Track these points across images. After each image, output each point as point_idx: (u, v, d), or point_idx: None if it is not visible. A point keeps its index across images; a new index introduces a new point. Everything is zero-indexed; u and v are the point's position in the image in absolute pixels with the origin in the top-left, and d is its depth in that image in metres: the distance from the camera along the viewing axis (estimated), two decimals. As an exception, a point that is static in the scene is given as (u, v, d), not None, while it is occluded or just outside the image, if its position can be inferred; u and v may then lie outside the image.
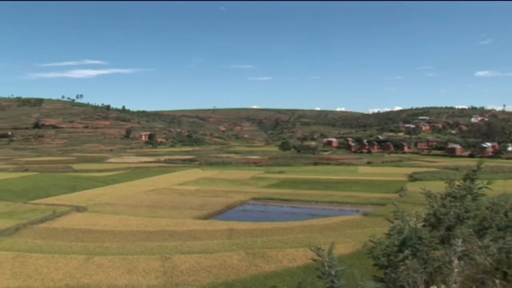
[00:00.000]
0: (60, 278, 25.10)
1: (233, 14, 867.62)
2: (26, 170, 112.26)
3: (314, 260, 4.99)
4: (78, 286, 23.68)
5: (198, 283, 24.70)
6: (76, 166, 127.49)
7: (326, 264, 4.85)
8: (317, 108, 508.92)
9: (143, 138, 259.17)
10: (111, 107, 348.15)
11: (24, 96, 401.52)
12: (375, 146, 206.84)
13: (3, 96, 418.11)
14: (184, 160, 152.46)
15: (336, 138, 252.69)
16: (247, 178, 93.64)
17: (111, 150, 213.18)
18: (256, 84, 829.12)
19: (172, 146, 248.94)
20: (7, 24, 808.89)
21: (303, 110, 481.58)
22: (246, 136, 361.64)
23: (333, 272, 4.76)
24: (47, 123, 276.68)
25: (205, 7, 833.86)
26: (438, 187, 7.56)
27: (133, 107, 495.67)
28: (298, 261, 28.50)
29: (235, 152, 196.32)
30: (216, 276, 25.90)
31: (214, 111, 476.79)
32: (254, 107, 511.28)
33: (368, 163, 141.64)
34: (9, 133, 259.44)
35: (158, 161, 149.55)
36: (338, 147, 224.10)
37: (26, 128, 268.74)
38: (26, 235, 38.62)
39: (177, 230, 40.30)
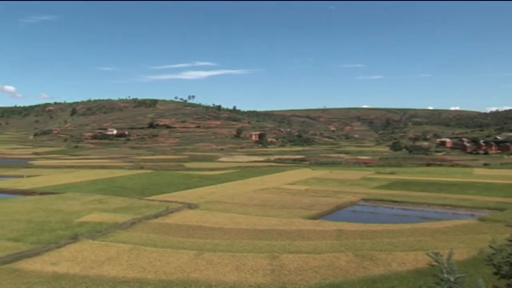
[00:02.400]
0: (172, 271, 26.42)
1: (343, 13, 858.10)
2: (142, 168, 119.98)
3: (431, 265, 4.75)
4: (188, 280, 24.74)
5: (305, 283, 24.66)
6: (188, 165, 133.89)
7: (444, 270, 4.61)
8: (430, 107, 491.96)
9: (254, 137, 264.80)
10: (222, 107, 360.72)
11: (139, 97, 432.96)
12: (493, 147, 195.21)
13: (121, 98, 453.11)
14: (294, 160, 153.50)
15: (450, 138, 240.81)
16: (357, 178, 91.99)
17: (222, 149, 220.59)
18: (366, 83, 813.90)
19: (282, 145, 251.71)
20: (125, 31, 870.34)
21: (415, 109, 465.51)
22: (356, 136, 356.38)
23: (452, 279, 4.51)
24: (161, 123, 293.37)
25: (314, 7, 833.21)
26: None
27: (243, 107, 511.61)
28: (408, 265, 27.43)
29: (345, 152, 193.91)
30: (323, 276, 25.72)
31: (324, 110, 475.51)
32: (365, 106, 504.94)
33: (485, 165, 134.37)
34: (126, 132, 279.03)
35: (268, 161, 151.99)
36: (452, 148, 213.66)
37: (142, 128, 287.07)
38: (141, 229, 41.17)
39: (286, 229, 40.57)
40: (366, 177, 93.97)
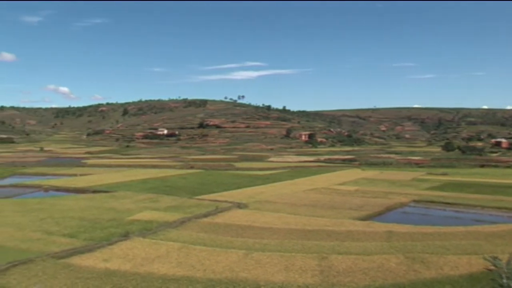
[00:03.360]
0: (221, 270, 26.70)
1: (391, 10, 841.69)
2: (192, 168, 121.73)
3: (489, 270, 4.59)
4: (237, 280, 24.93)
5: (354, 285, 24.36)
6: (238, 164, 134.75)
7: (504, 275, 4.44)
8: (484, 107, 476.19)
9: (303, 137, 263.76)
10: (271, 107, 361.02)
11: (190, 97, 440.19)
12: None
13: (171, 98, 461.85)
14: (343, 160, 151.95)
15: (506, 138, 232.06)
16: (408, 179, 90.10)
17: (271, 149, 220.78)
18: (417, 82, 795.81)
19: (332, 145, 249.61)
20: (175, 33, 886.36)
21: (468, 108, 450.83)
22: (407, 136, 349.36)
23: (512, 285, 4.34)
24: (211, 123, 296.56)
25: (362, 6, 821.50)
26: None
27: (293, 107, 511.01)
28: (461, 269, 26.55)
29: (396, 153, 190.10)
30: (373, 278, 25.32)
31: (374, 110, 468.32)
32: (416, 106, 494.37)
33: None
34: (177, 132, 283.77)
35: (318, 161, 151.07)
36: (508, 149, 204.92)
37: (192, 128, 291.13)
38: (190, 228, 41.80)
39: (335, 230, 40.21)
40: (417, 178, 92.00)
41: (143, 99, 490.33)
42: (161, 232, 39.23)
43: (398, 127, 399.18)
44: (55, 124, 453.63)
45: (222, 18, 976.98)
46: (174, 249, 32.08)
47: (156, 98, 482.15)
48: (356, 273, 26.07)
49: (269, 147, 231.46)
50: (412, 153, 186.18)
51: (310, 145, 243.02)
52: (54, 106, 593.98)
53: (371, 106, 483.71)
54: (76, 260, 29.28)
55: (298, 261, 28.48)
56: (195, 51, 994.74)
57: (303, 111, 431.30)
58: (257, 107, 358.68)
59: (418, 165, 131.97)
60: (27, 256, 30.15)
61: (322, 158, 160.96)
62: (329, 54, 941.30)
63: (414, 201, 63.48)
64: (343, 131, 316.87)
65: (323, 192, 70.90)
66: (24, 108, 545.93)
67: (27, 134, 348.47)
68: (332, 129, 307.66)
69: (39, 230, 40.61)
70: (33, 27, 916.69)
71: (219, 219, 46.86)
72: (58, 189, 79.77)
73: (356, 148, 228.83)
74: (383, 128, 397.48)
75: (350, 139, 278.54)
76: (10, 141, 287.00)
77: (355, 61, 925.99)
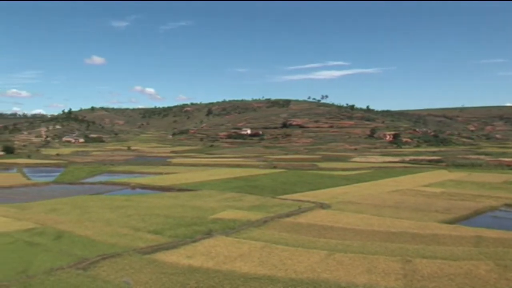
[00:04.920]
0: (302, 270, 26.63)
1: (476, 5, 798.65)
2: (275, 167, 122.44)
3: None
4: (318, 280, 24.75)
5: (440, 291, 23.47)
6: (321, 164, 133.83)
7: None
8: None
9: (388, 137, 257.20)
10: (355, 107, 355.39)
11: (273, 97, 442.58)
12: None
13: (254, 98, 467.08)
14: (429, 161, 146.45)
15: None
16: (498, 182, 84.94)
17: (355, 149, 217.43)
18: (509, 79, 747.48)
19: (417, 146, 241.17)
20: (258, 33, 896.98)
21: None
22: (498, 136, 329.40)
23: None
24: (294, 123, 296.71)
25: (445, 6, 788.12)
26: None
27: (377, 106, 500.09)
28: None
29: (486, 154, 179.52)
30: (459, 285, 24.06)
31: (462, 109, 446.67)
32: (508, 104, 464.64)
33: None
34: (260, 132, 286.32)
35: (403, 161, 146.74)
36: None
37: (275, 128, 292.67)
38: (273, 228, 42.08)
39: (420, 233, 38.80)
40: (509, 181, 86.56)
41: (227, 99, 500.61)
42: (244, 231, 39.80)
43: (488, 127, 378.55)
44: (142, 124, 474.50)
45: (304, 18, 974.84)
46: (256, 248, 32.42)
47: (240, 98, 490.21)
48: (441, 279, 24.98)
49: (353, 147, 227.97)
50: (503, 154, 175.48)
51: (395, 145, 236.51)
52: (140, 106, 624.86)
53: (459, 105, 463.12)
54: (161, 256, 30.37)
55: (381, 263, 27.82)
56: (278, 51, 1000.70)
57: (387, 111, 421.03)
58: (340, 107, 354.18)
59: (510, 167, 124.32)
60: (115, 251, 31.75)
61: (407, 158, 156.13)
62: (413, 52, 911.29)
63: (506, 205, 59.85)
64: (429, 131, 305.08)
65: (407, 193, 68.80)
66: (113, 109, 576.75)
67: (116, 134, 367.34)
68: (417, 129, 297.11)
69: (126, 226, 42.62)
70: (121, 32, 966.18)
71: (302, 219, 46.80)
72: (144, 187, 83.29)
73: (442, 148, 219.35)
74: (472, 128, 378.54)
75: (436, 140, 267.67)
76: (100, 140, 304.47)
77: (441, 58, 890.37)
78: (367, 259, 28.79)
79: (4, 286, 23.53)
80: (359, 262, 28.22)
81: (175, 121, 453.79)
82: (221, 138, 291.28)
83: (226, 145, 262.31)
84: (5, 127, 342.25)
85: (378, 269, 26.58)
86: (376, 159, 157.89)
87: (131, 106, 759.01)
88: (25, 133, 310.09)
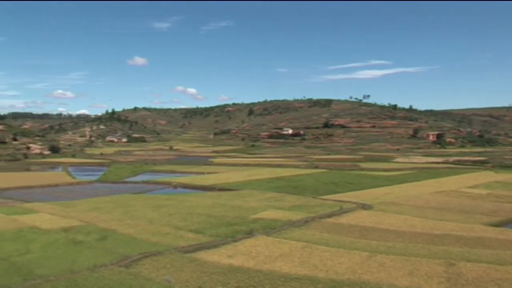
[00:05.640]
0: (343, 271, 26.38)
1: None
2: (316, 167, 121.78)
3: None
4: (359, 282, 24.44)
5: (485, 296, 22.74)
6: (362, 165, 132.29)
7: None
8: None
9: (431, 138, 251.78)
10: (397, 107, 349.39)
11: (314, 97, 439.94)
12: None
13: (296, 98, 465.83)
14: (474, 162, 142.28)
15: None
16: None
17: (397, 149, 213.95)
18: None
19: (462, 146, 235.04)
20: (299, 33, 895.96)
21: None
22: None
23: None
24: (336, 122, 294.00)
25: (489, 5, 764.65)
26: None
27: (420, 106, 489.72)
28: None
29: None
30: (506, 291, 23.36)
31: (509, 109, 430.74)
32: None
33: None
34: (302, 132, 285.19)
35: (446, 162, 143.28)
36: None
37: (317, 128, 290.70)
38: (314, 228, 41.86)
39: (464, 235, 37.76)
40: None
41: (268, 99, 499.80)
42: (285, 231, 39.74)
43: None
44: (184, 124, 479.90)
45: (346, 18, 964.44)
46: (297, 248, 32.34)
47: (281, 98, 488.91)
48: (487, 284, 24.16)
49: (395, 147, 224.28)
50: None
51: (438, 146, 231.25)
52: (182, 106, 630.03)
53: (506, 104, 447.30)
54: (202, 255, 30.64)
55: (424, 266, 27.22)
56: (319, 51, 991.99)
57: (431, 110, 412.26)
58: (382, 107, 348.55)
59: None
60: (156, 249, 32.26)
61: (451, 159, 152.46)
62: (457, 51, 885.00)
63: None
64: (474, 131, 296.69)
65: (451, 195, 67.13)
66: (155, 109, 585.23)
67: (158, 134, 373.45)
68: (461, 129, 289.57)
69: (168, 224, 43.22)
70: (163, 33, 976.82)
71: (343, 219, 46.41)
72: (186, 186, 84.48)
73: (488, 149, 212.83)
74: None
75: (482, 140, 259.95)
76: (142, 140, 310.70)
77: (485, 56, 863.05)
78: (409, 261, 28.26)
79: (51, 281, 24.26)
80: (401, 264, 27.74)
81: (216, 121, 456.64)
82: (262, 138, 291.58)
83: (268, 145, 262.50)
84: (51, 127, 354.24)
85: (421, 272, 26.03)
86: (419, 159, 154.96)
87: (173, 106, 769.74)
88: (70, 133, 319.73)
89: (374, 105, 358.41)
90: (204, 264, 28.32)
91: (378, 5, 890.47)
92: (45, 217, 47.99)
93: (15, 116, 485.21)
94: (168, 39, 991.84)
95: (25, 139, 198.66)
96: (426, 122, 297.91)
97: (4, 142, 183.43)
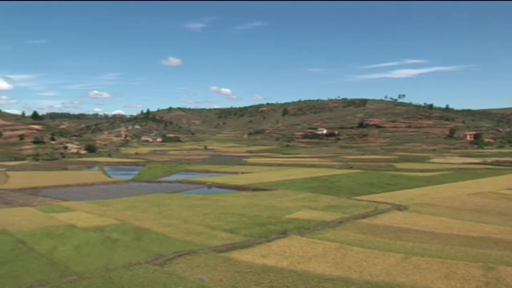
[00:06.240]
0: (377, 273, 25.96)
1: None
2: (351, 168, 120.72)
3: None
4: (393, 284, 23.97)
5: (527, 302, 21.99)
6: (398, 165, 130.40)
7: None
8: None
9: (468, 138, 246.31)
10: (433, 106, 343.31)
11: (349, 97, 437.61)
12: None
13: (330, 98, 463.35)
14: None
15: None
16: None
17: (433, 149, 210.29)
18: None
19: (501, 147, 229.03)
20: (333, 32, 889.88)
21: None
22: None
23: None
24: (371, 122, 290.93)
25: None
26: None
27: (457, 105, 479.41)
28: None
29: None
30: (550, 297, 22.52)
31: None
32: None
33: None
34: (336, 132, 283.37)
35: (484, 163, 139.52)
36: None
37: (351, 128, 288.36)
38: (348, 228, 41.37)
39: (503, 238, 36.55)
40: None
41: (302, 99, 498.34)
42: (319, 231, 39.38)
43: None
44: (218, 124, 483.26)
45: (380, 16, 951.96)
46: (331, 249, 32.04)
47: (315, 98, 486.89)
48: (528, 289, 23.46)
49: (431, 147, 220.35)
50: None
51: (476, 146, 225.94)
52: (216, 106, 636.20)
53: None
54: (236, 255, 30.62)
55: (461, 269, 26.51)
56: (353, 50, 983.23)
57: (468, 110, 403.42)
58: (418, 106, 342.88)
59: None
60: (190, 248, 32.37)
61: (489, 160, 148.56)
62: (494, 48, 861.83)
63: None
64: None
65: (490, 196, 65.29)
66: (189, 109, 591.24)
67: (192, 134, 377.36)
68: (500, 129, 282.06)
69: (202, 224, 43.37)
70: (197, 33, 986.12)
71: (378, 220, 45.75)
72: (220, 186, 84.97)
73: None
74: None
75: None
76: (177, 139, 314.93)
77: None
78: (445, 264, 27.59)
79: (87, 278, 24.72)
80: (437, 266, 27.13)
81: (251, 121, 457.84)
82: (296, 138, 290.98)
83: (302, 145, 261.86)
84: (88, 127, 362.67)
85: (458, 275, 25.36)
86: (455, 160, 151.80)
87: (207, 106, 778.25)
88: (105, 132, 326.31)
89: (410, 104, 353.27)
90: (238, 263, 28.33)
91: (414, 5, 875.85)
92: (82, 215, 48.99)
93: (53, 116, 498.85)
94: (202, 39, 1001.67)
95: (62, 139, 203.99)
96: (463, 122, 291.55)
97: (43, 142, 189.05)
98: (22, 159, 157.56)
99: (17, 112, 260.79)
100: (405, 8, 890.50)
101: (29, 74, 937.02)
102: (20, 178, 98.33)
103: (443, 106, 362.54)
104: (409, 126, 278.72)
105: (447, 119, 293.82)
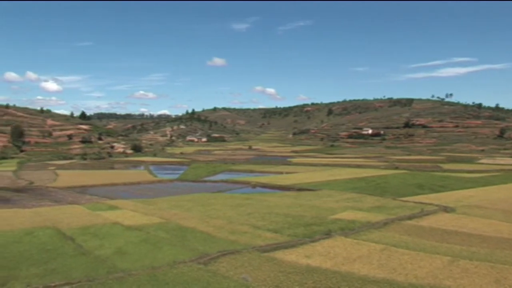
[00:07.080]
0: (423, 276, 25.30)
1: None
2: (396, 168, 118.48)
3: None
4: (440, 287, 23.40)
5: None
6: (445, 166, 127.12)
7: None
8: None
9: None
10: (482, 106, 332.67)
11: (394, 96, 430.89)
12: None
13: (376, 98, 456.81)
14: None
15: None
16: None
17: (482, 150, 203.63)
18: None
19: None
20: (377, 31, 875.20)
21: None
22: None
23: None
24: (417, 122, 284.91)
25: None
26: None
27: (507, 104, 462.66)
28: None
29: None
30: None
31: None
32: None
33: None
34: (382, 132, 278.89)
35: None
36: None
37: (397, 128, 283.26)
38: (393, 230, 40.56)
39: (558, 242, 35.12)
40: None
41: (347, 99, 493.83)
42: (363, 233, 38.78)
43: None
44: (263, 124, 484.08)
45: (426, 15, 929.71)
46: (376, 250, 31.49)
47: (361, 98, 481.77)
48: None
49: (480, 148, 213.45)
50: None
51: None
52: (261, 106, 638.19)
53: None
54: (279, 255, 30.47)
55: (511, 274, 25.56)
56: (399, 49, 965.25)
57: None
58: (466, 106, 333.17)
59: None
60: (234, 247, 32.42)
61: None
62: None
63: None
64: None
65: (542, 199, 62.78)
66: (234, 109, 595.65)
67: (237, 133, 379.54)
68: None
69: (246, 223, 43.41)
70: (241, 34, 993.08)
71: (424, 222, 44.66)
72: (264, 185, 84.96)
73: None
74: None
75: None
76: (222, 139, 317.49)
77: None
78: (495, 269, 26.58)
79: (133, 275, 25.16)
80: (486, 271, 26.16)
81: (295, 121, 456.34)
82: (341, 138, 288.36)
83: (347, 145, 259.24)
84: (134, 127, 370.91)
85: (508, 281, 24.34)
86: (506, 161, 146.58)
87: (252, 106, 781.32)
88: (151, 132, 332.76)
89: (457, 104, 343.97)
90: (282, 263, 28.20)
91: (462, 4, 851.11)
92: (127, 213, 49.96)
93: (100, 116, 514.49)
94: (246, 40, 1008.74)
95: (109, 139, 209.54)
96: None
97: (90, 142, 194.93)
98: (71, 158, 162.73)
99: (66, 112, 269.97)
100: (454, 6, 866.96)
101: (77, 76, 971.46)
102: (68, 177, 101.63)
103: (493, 105, 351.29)
104: (457, 126, 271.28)
105: (497, 119, 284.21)
